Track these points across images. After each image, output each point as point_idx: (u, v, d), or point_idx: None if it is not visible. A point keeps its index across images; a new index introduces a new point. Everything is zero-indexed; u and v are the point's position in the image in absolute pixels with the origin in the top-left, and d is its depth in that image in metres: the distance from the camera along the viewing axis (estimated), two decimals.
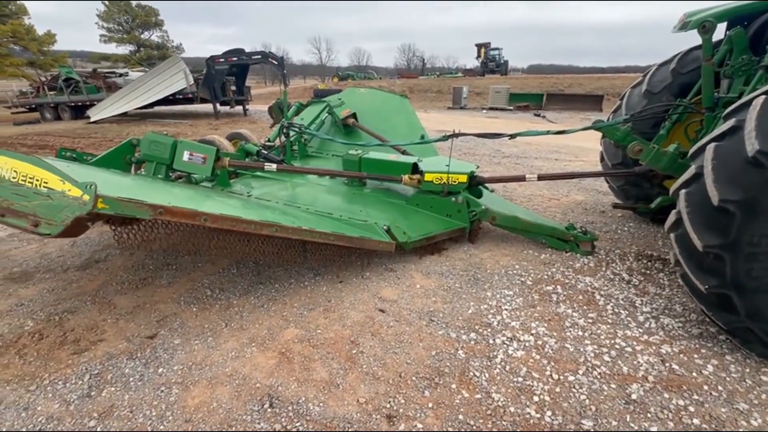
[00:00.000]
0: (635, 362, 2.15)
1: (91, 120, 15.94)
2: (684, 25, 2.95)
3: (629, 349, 2.25)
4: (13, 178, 1.90)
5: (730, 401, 1.89)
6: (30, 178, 1.88)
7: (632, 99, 3.79)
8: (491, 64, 37.78)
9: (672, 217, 2.30)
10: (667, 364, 2.13)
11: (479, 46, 39.81)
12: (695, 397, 1.92)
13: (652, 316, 2.57)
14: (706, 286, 2.07)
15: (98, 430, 1.77)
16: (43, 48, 36.26)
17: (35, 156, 1.97)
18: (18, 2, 35.38)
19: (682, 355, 2.20)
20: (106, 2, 47.62)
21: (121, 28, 49.90)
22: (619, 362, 2.15)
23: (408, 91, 23.94)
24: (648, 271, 3.15)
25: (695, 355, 2.20)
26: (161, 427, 1.78)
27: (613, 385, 2.00)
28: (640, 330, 2.43)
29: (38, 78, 23.27)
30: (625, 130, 3.41)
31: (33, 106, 18.05)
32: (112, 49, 50.82)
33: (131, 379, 2.07)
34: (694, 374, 2.06)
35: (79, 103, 17.11)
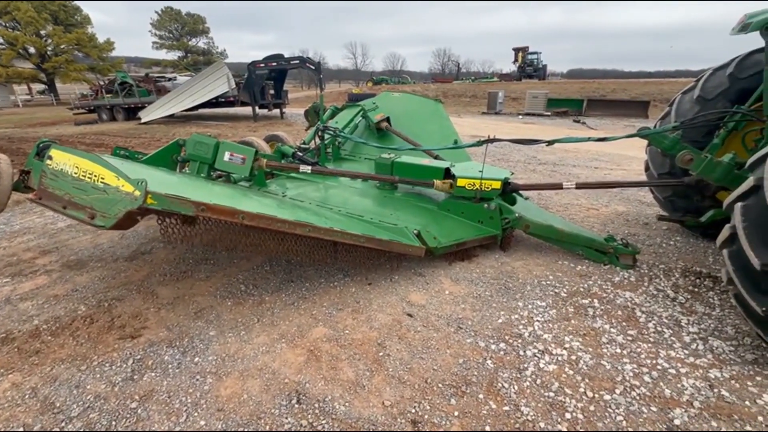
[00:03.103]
0: (679, 385, 2.02)
1: (142, 121, 17.06)
2: (744, 27, 2.75)
3: (673, 371, 2.11)
4: (75, 173, 2.07)
5: None
6: (89, 173, 2.04)
7: (683, 105, 3.56)
8: (529, 68, 36.93)
9: (725, 232, 2.14)
10: (715, 390, 1.98)
11: (517, 50, 39.08)
12: (748, 428, 1.77)
13: (699, 337, 2.40)
14: (764, 308, 1.91)
15: (139, 411, 1.88)
16: (102, 54, 39.44)
17: (95, 154, 2.14)
18: (83, 12, 38.60)
19: (733, 382, 2.04)
20: (159, 11, 51.17)
21: (171, 35, 53.40)
22: (661, 384, 2.02)
23: (442, 96, 23.79)
24: (696, 289, 2.95)
25: (749, 383, 2.03)
26: (195, 414, 1.87)
27: (654, 408, 1.88)
28: (686, 351, 2.27)
29: (97, 82, 25.25)
30: (674, 138, 3.22)
31: (92, 107, 19.61)
32: (162, 55, 54.53)
33: (170, 366, 2.18)
34: (747, 403, 1.90)
35: (132, 105, 18.40)
